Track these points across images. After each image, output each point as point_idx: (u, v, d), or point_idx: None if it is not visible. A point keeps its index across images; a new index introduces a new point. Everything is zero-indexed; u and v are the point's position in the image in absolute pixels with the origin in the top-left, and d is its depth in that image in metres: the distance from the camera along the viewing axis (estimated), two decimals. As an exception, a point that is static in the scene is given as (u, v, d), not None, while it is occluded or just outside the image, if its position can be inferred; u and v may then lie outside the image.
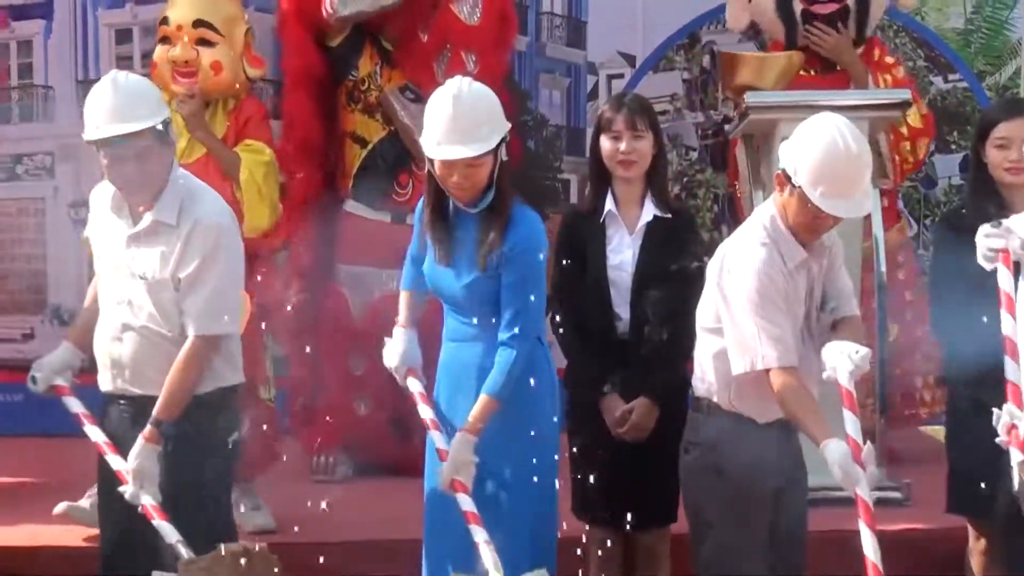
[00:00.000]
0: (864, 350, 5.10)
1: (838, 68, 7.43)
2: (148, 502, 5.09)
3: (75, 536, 5.44)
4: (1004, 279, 5.26)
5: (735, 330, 5.15)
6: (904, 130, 7.52)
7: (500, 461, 5.36)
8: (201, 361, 5.23)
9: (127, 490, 5.11)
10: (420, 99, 6.66)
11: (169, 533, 5.03)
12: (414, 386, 5.45)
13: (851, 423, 4.99)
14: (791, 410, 5.10)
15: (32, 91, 7.91)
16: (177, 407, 5.16)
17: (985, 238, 5.25)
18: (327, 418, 7.45)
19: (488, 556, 4.98)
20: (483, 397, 5.27)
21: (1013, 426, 5.06)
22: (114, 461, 5.18)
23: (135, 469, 5.09)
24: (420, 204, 5.62)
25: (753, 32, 7.74)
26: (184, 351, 5.17)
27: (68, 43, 7.94)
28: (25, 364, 5.42)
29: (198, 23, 6.70)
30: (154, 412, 5.13)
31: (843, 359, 5.05)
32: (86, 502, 6.13)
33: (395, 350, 5.49)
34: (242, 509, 6.36)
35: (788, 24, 7.45)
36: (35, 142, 7.92)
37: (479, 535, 5.04)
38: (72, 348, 5.47)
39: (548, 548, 5.49)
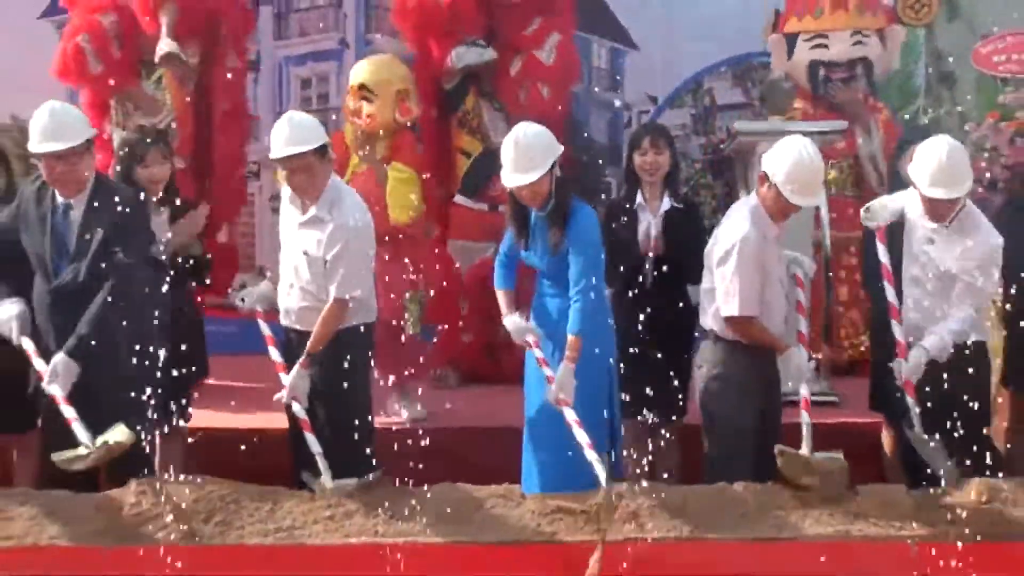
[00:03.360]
0: (810, 261, 5.63)
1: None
2: (300, 414, 5.26)
3: (281, 421, 5.52)
4: (882, 253, 5.38)
5: (721, 285, 5.32)
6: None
7: (581, 365, 5.37)
8: (339, 315, 5.33)
9: (282, 396, 5.26)
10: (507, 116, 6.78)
11: (312, 443, 5.20)
12: (538, 353, 5.44)
13: (803, 324, 5.40)
14: (756, 338, 5.32)
15: (247, 121, 8.02)
16: (322, 343, 5.28)
17: (864, 221, 5.46)
18: (443, 345, 7.54)
19: (597, 463, 5.01)
20: (570, 337, 5.31)
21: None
22: (283, 379, 5.30)
23: (291, 385, 5.24)
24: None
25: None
26: (328, 308, 5.28)
27: (270, 88, 8.03)
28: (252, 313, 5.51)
29: (361, 87, 6.79)
30: (307, 348, 5.26)
31: (794, 258, 5.51)
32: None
33: (519, 328, 5.49)
34: (398, 408, 6.58)
35: (814, 80, 7.55)
36: (248, 155, 8.00)
37: (583, 438, 5.11)
38: (271, 287, 5.58)
39: (611, 427, 5.58)
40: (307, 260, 5.36)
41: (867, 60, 7.56)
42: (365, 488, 5.04)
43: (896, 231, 5.57)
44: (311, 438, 5.20)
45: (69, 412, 4.93)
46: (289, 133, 5.27)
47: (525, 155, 5.30)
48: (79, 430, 4.89)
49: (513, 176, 5.33)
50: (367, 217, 5.48)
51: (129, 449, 4.93)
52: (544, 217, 5.42)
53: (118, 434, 4.88)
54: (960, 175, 5.25)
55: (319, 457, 5.16)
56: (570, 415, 5.17)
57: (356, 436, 5.27)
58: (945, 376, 5.27)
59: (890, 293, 5.45)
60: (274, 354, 5.41)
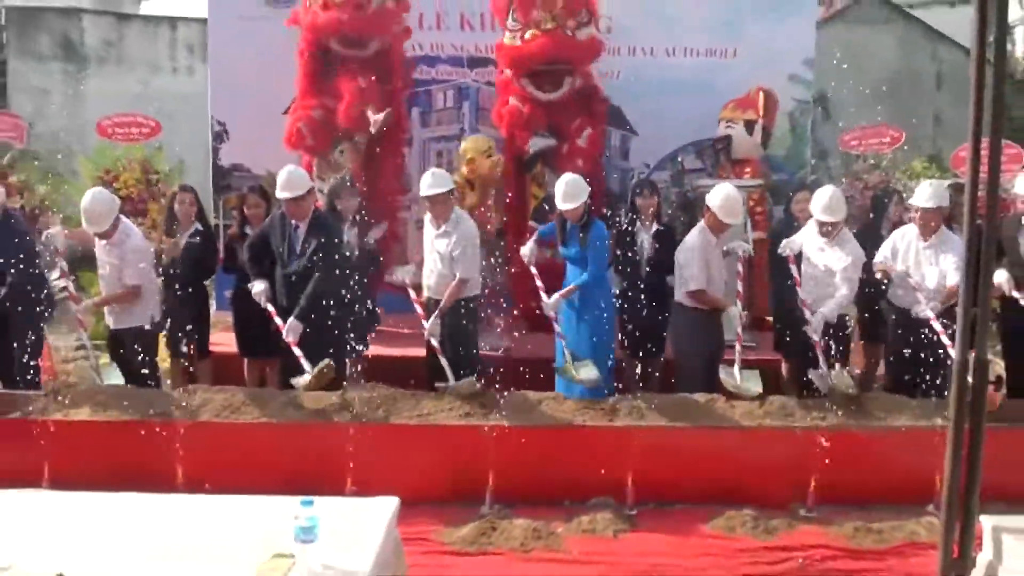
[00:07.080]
0: (748, 245, 5.38)
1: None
2: (435, 343, 5.17)
3: (422, 352, 5.48)
4: (793, 270, 5.36)
5: (688, 271, 5.26)
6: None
7: (589, 319, 5.39)
8: (462, 288, 5.31)
9: (427, 332, 5.19)
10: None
11: (444, 363, 5.10)
12: (533, 270, 5.46)
13: (740, 286, 5.28)
14: (709, 301, 5.25)
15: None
16: (450, 303, 5.24)
17: (780, 252, 5.43)
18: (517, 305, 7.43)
19: (566, 352, 5.22)
20: (571, 285, 5.41)
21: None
22: (424, 324, 5.24)
23: (431, 327, 5.18)
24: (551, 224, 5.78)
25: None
26: (455, 283, 5.28)
27: (418, 157, 7.98)
28: (403, 287, 5.44)
29: (489, 152, 6.87)
30: (441, 306, 5.22)
31: (738, 244, 5.31)
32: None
33: (526, 251, 5.53)
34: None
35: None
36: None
37: (562, 339, 5.30)
38: (414, 268, 5.58)
39: (607, 350, 5.49)
40: (440, 256, 5.38)
41: (730, 137, 7.39)
42: (471, 388, 4.99)
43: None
44: (444, 360, 5.17)
45: (298, 351, 5.01)
46: (432, 181, 5.35)
47: (572, 192, 5.39)
48: (304, 363, 4.97)
49: (564, 204, 5.41)
50: (477, 231, 5.54)
51: (334, 371, 5.00)
52: (577, 227, 5.48)
53: (324, 363, 4.93)
54: (840, 207, 5.36)
55: (448, 370, 5.14)
56: (558, 326, 5.32)
57: (470, 359, 5.31)
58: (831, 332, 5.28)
59: (795, 271, 5.40)
60: (419, 309, 5.36)
